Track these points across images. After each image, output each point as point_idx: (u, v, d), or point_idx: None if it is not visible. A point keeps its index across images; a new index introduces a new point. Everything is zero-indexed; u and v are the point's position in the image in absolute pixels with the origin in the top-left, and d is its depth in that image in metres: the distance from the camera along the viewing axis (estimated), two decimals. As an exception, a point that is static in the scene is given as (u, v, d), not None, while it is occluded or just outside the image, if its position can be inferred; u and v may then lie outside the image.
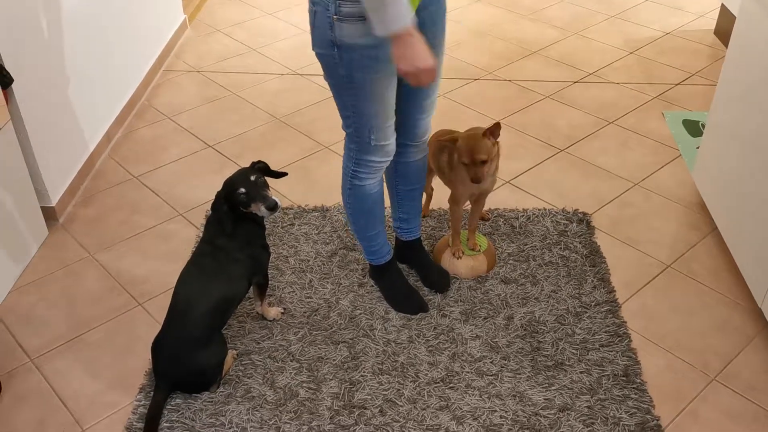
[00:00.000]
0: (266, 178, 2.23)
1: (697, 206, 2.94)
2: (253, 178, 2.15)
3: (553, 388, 2.16)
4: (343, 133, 2.16)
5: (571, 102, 3.70)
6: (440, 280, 2.51)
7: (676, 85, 3.88)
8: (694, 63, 4.10)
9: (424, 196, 2.70)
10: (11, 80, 2.53)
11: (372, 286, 2.53)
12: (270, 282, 2.44)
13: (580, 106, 3.67)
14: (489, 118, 3.55)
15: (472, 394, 2.14)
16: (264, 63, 4.22)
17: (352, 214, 2.32)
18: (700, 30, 4.49)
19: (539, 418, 2.07)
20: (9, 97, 2.58)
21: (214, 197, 2.19)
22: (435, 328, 2.36)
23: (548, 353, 2.27)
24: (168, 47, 4.25)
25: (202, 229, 2.61)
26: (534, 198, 2.99)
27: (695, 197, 2.98)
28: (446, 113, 3.59)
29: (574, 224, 2.82)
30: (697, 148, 3.25)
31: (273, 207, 2.13)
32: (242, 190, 2.13)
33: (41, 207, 2.82)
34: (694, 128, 3.46)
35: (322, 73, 2.04)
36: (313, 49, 1.99)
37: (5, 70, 2.50)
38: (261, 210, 2.14)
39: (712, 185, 2.76)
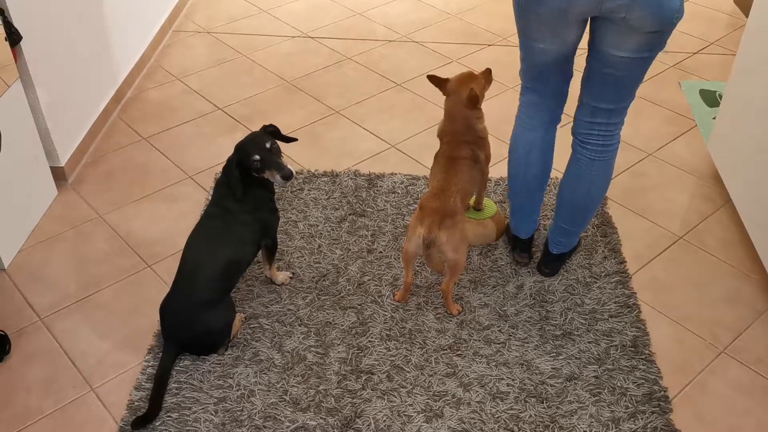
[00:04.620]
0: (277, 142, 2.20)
1: (711, 178, 2.90)
2: (267, 145, 2.12)
3: (560, 357, 2.16)
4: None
5: (585, 70, 3.64)
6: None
7: (694, 54, 3.81)
8: (713, 32, 4.03)
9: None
10: (20, 38, 2.50)
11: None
12: (279, 246, 2.43)
13: (595, 74, 3.61)
14: (501, 84, 3.50)
15: (480, 362, 2.14)
16: (275, 25, 4.16)
17: None
18: (719, -2, 4.40)
19: (546, 387, 2.07)
20: (18, 55, 2.55)
21: (225, 161, 2.17)
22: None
23: (557, 322, 2.27)
24: (178, 7, 4.20)
25: (212, 192, 2.60)
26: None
27: (710, 169, 2.94)
28: (459, 79, 3.54)
29: (586, 194, 2.79)
30: (714, 118, 3.20)
31: (288, 176, 2.11)
32: (257, 157, 2.10)
33: (50, 167, 2.81)
34: (710, 98, 3.41)
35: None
36: (672, 22, 1.84)
37: (14, 27, 2.47)
38: (276, 178, 2.12)
39: (728, 156, 2.72)
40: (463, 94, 2.26)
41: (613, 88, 2.02)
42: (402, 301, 2.33)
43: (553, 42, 1.98)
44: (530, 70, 2.14)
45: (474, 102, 2.25)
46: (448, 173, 2.22)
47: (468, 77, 2.32)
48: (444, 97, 2.35)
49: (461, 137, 2.28)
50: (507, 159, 2.35)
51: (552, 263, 2.42)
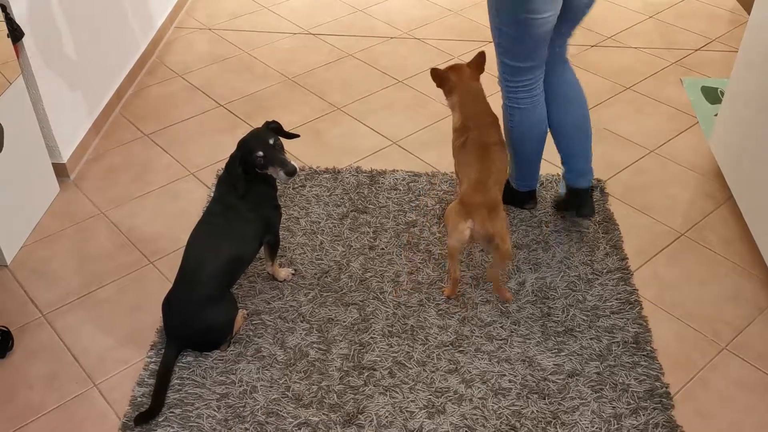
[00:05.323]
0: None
1: (712, 175, 2.90)
2: (271, 141, 2.12)
3: (562, 353, 2.16)
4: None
5: (587, 66, 3.64)
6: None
7: (696, 50, 3.81)
8: (714, 28, 4.02)
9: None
10: (22, 34, 2.50)
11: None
12: (281, 243, 2.43)
13: (597, 70, 3.61)
14: (503, 82, 3.50)
15: (482, 358, 2.15)
16: (276, 21, 4.16)
17: None
18: (721, -6, 4.40)
19: (548, 383, 2.08)
20: (20, 52, 2.55)
21: (228, 158, 2.17)
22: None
23: (558, 319, 2.27)
24: (179, 4, 4.20)
25: (214, 188, 2.60)
26: (547, 163, 2.96)
27: (711, 165, 2.94)
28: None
29: (588, 190, 2.79)
30: (715, 115, 3.20)
31: (292, 172, 2.11)
32: (260, 153, 2.10)
33: (52, 163, 2.81)
34: (712, 95, 3.41)
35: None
36: None
37: (16, 23, 2.47)
38: (279, 175, 2.13)
39: (730, 154, 2.72)
40: (470, 64, 2.41)
41: (572, 28, 2.31)
42: (452, 296, 2.34)
43: (553, 7, 2.14)
44: (529, 49, 2.26)
45: (483, 61, 2.42)
46: (485, 163, 2.23)
47: (457, 65, 2.43)
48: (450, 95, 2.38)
49: (485, 118, 2.33)
50: (512, 137, 2.47)
51: (586, 200, 2.54)
